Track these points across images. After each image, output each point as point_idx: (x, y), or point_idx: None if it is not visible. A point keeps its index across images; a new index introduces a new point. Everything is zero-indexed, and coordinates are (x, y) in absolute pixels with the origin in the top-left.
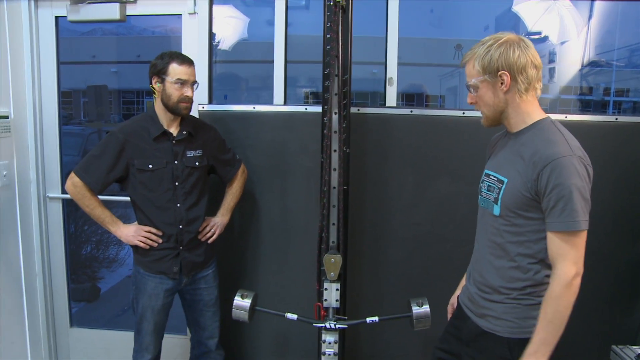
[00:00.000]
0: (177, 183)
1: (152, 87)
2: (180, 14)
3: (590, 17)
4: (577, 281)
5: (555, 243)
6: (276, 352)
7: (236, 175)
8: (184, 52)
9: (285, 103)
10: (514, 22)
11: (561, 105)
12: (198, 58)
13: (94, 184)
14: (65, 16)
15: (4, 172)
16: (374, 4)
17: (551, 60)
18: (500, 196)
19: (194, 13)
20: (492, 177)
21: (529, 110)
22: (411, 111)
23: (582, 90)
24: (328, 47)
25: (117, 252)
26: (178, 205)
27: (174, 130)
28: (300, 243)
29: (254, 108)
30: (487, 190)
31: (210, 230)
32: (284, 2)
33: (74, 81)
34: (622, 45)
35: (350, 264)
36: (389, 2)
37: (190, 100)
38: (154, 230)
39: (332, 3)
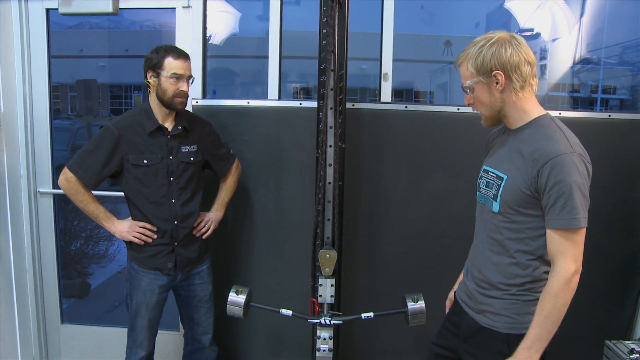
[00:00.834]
0: (172, 178)
1: (147, 82)
2: (174, 8)
3: (582, 14)
4: (576, 278)
5: (555, 240)
6: (270, 348)
7: (230, 171)
8: (178, 46)
9: (279, 98)
10: (506, 19)
11: (549, 102)
12: (192, 52)
13: (88, 179)
14: (57, 8)
15: None
16: None
17: (542, 57)
18: (499, 193)
19: (188, 7)
20: (491, 174)
21: (527, 107)
22: (406, 107)
23: (574, 88)
24: (324, 42)
25: (107, 247)
26: (173, 200)
27: (169, 125)
28: (295, 238)
29: (248, 103)
30: (485, 187)
31: (204, 226)
32: None
33: (61, 75)
34: (612, 43)
35: (345, 260)
36: None
37: (185, 95)
38: (148, 225)
39: None
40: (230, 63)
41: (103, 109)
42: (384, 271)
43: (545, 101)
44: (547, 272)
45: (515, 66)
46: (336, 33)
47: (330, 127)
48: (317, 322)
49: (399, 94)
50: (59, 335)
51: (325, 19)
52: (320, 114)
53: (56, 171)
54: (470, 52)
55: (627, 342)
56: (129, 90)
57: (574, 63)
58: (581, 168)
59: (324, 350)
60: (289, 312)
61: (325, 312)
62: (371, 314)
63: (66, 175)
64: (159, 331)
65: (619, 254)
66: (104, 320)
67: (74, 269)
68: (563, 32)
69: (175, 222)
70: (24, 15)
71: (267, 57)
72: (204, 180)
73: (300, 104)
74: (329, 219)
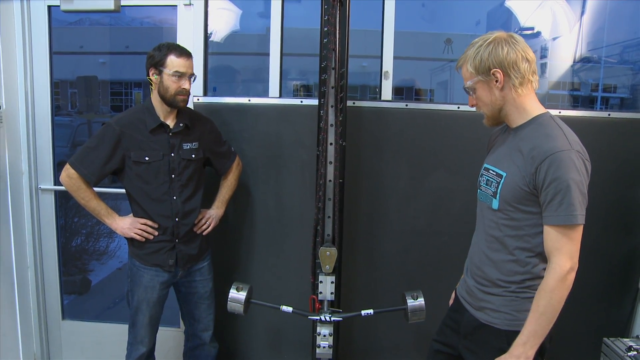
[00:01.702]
0: (173, 175)
1: (149, 79)
2: (176, 5)
3: (582, 13)
4: (572, 275)
5: (551, 236)
6: (271, 345)
7: (231, 168)
8: (179, 43)
9: (280, 96)
10: (506, 18)
11: (550, 101)
12: (193, 50)
13: (90, 176)
14: (58, 5)
15: None
16: None
17: (543, 56)
18: (499, 190)
19: (190, 4)
20: (491, 171)
21: (527, 106)
22: (406, 105)
23: (574, 86)
24: (325, 40)
25: (108, 244)
26: (174, 197)
27: (170, 122)
28: (296, 236)
29: (249, 100)
30: (485, 184)
31: (205, 223)
32: None
33: (61, 72)
34: (613, 41)
35: (346, 257)
36: None
37: (187, 93)
38: (149, 222)
39: None
40: (231, 60)
41: (103, 105)
42: (384, 268)
43: (546, 99)
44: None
45: (513, 63)
46: (337, 31)
47: (331, 125)
48: (317, 319)
49: (399, 92)
50: (60, 331)
51: (326, 17)
52: (321, 111)
53: (57, 168)
54: (469, 54)
55: (625, 339)
56: (130, 87)
57: (574, 62)
58: (579, 165)
59: (324, 347)
60: (289, 309)
61: (325, 309)
62: (371, 311)
63: (68, 171)
64: (160, 328)
65: (617, 252)
66: (105, 317)
67: (74, 265)
68: (564, 30)
69: (177, 219)
70: (25, 13)
71: (268, 54)
72: (205, 177)
73: (301, 101)
74: (329, 217)
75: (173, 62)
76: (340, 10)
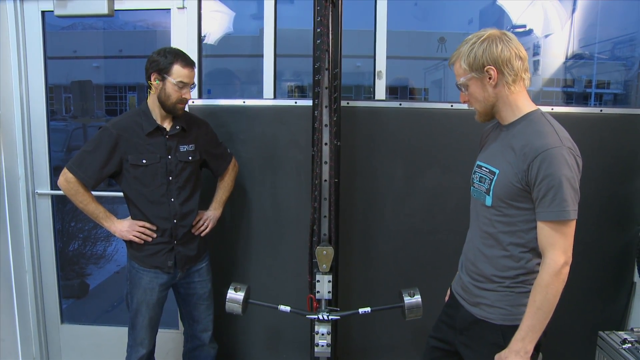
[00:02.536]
0: (170, 178)
1: (150, 83)
2: (169, 9)
3: (573, 10)
4: (566, 270)
5: (545, 232)
6: (269, 345)
7: (228, 169)
8: (170, 46)
9: (275, 97)
10: (499, 16)
11: (544, 97)
12: (187, 53)
13: (88, 180)
14: (52, 10)
15: None
16: None
17: (535, 53)
18: (492, 187)
19: (183, 7)
20: (484, 169)
21: (519, 103)
22: (400, 104)
23: (566, 83)
24: (318, 41)
25: (105, 248)
26: (172, 199)
27: (167, 125)
28: (292, 236)
29: (244, 102)
30: (479, 182)
31: (203, 224)
32: None
33: (55, 77)
34: (604, 38)
35: (342, 256)
36: None
37: (187, 101)
38: (148, 224)
39: None
40: (226, 62)
41: (98, 109)
42: (381, 266)
43: (540, 96)
44: (539, 264)
45: (507, 60)
46: (330, 32)
47: (326, 125)
48: (315, 318)
49: (394, 91)
50: (59, 335)
51: (319, 18)
52: (316, 112)
53: (53, 172)
54: (462, 50)
55: (619, 332)
56: (124, 91)
57: (566, 58)
58: (571, 161)
59: (322, 346)
60: (287, 309)
61: (322, 308)
62: (368, 309)
63: (66, 176)
64: (159, 329)
65: (612, 247)
66: (104, 320)
67: (72, 269)
68: (555, 28)
69: (175, 221)
70: (19, 18)
71: (262, 55)
72: (202, 179)
73: (296, 102)
74: (325, 216)
75: (179, 72)
76: (332, 11)
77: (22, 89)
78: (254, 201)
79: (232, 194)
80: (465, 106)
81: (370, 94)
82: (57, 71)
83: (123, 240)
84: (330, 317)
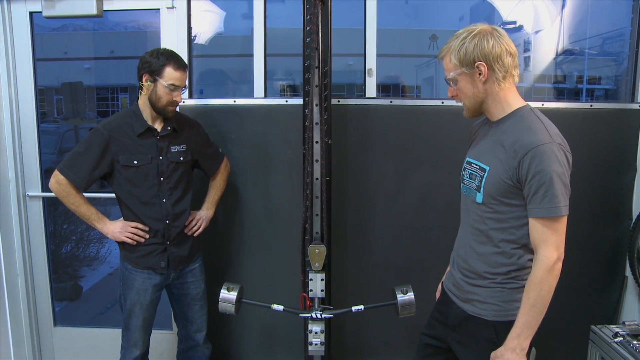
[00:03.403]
0: (162, 178)
1: (141, 84)
2: (159, 9)
3: (563, 6)
4: (559, 265)
5: (537, 229)
6: (263, 344)
7: (219, 169)
8: (162, 47)
9: (265, 96)
10: (489, 12)
11: (536, 94)
12: (177, 53)
13: (79, 182)
14: (40, 12)
15: None
16: None
17: (526, 49)
18: (482, 184)
19: (172, 7)
20: (474, 165)
21: (509, 99)
22: (391, 102)
23: (557, 79)
24: (308, 40)
25: (98, 250)
26: (164, 200)
27: (158, 125)
28: (285, 234)
29: (234, 102)
30: (469, 178)
31: (195, 224)
32: None
33: (46, 78)
34: (594, 33)
35: (335, 254)
36: None
37: (177, 104)
38: (140, 225)
39: None
40: (217, 62)
41: (90, 111)
42: (373, 264)
43: (532, 92)
44: (531, 260)
45: (498, 57)
46: (319, 30)
47: (316, 124)
48: (308, 317)
49: (386, 89)
50: (52, 337)
51: (308, 16)
52: (306, 110)
53: (45, 175)
54: (452, 45)
55: (611, 326)
56: (116, 92)
57: (557, 54)
58: (561, 157)
59: (316, 344)
60: (280, 308)
61: (316, 307)
62: (361, 307)
63: (57, 177)
64: (153, 330)
65: (604, 241)
66: (97, 322)
67: (65, 272)
68: (545, 24)
69: (167, 222)
70: (7, 19)
71: (252, 55)
72: (193, 179)
73: (286, 101)
74: (317, 215)
75: (170, 74)
76: (321, 9)
77: (11, 91)
78: (246, 200)
79: (224, 194)
80: (455, 103)
81: (362, 92)
82: (48, 73)
83: (116, 241)
84: (323, 316)
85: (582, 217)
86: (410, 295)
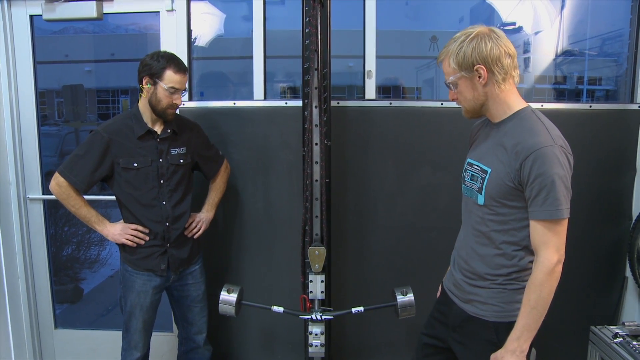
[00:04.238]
0: (162, 181)
1: (141, 87)
2: (158, 11)
3: (562, 7)
4: (559, 268)
5: (538, 231)
6: (263, 346)
7: (219, 171)
8: (163, 50)
9: (265, 98)
10: (489, 13)
11: (536, 95)
12: (177, 55)
13: (79, 184)
14: (40, 15)
15: None
16: None
17: (526, 50)
18: (484, 186)
19: (172, 10)
20: (476, 167)
21: (509, 100)
22: (390, 103)
23: (557, 80)
24: (307, 42)
25: (99, 252)
26: (164, 202)
27: (158, 128)
28: (285, 236)
29: (234, 104)
30: (470, 180)
31: (196, 227)
32: None
33: (47, 81)
34: (594, 34)
35: (335, 256)
36: None
37: (177, 107)
38: (140, 228)
39: None
40: (216, 64)
41: (91, 113)
42: (373, 265)
43: (532, 93)
44: (532, 262)
45: (496, 59)
46: (319, 32)
47: (316, 126)
48: (308, 318)
49: (386, 91)
50: (53, 340)
51: (307, 18)
52: (306, 112)
53: (45, 177)
54: (451, 49)
55: (611, 327)
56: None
57: (556, 55)
58: (562, 160)
59: (316, 346)
60: (281, 309)
61: (316, 308)
62: (361, 308)
63: (57, 180)
64: (153, 333)
65: (604, 242)
66: (98, 324)
67: (65, 274)
68: (545, 25)
69: (167, 224)
70: (7, 22)
71: (252, 57)
72: (193, 181)
73: (286, 103)
74: (317, 216)
75: (171, 77)
76: (321, 11)
77: (11, 94)
78: (246, 202)
79: (225, 196)
80: (454, 104)
81: (362, 94)
82: (49, 76)
83: (116, 243)
84: (323, 317)
85: (582, 218)
86: (410, 297)
